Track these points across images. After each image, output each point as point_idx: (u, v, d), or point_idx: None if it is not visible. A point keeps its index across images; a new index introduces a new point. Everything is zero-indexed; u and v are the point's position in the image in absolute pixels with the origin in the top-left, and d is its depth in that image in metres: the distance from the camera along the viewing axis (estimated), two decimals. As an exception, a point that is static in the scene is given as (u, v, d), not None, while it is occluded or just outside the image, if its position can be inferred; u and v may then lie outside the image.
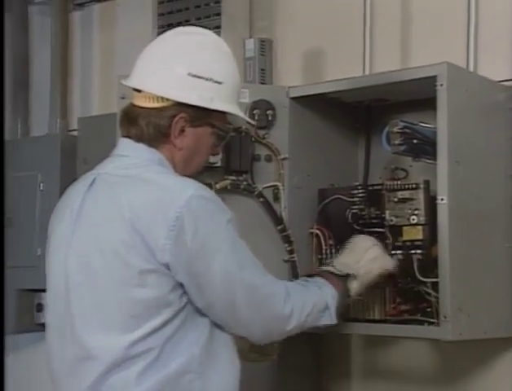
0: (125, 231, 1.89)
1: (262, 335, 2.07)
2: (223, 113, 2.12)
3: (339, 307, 2.18)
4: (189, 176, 2.05)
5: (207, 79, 2.05)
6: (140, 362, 1.89)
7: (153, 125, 2.03)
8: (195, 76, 2.04)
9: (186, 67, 2.04)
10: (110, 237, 1.92)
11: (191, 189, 1.93)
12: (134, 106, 2.06)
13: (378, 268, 2.30)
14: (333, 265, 2.27)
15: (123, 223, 1.90)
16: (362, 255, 2.31)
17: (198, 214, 1.91)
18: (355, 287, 2.25)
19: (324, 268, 2.29)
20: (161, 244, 1.88)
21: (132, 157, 2.04)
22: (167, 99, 2.02)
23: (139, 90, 2.06)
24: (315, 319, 2.12)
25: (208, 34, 2.16)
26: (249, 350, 2.36)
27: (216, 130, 2.11)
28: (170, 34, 2.14)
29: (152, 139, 2.03)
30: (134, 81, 2.08)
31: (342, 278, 2.23)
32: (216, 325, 1.98)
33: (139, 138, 2.04)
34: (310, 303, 2.10)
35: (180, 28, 2.19)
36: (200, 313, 1.96)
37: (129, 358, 1.89)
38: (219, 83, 2.07)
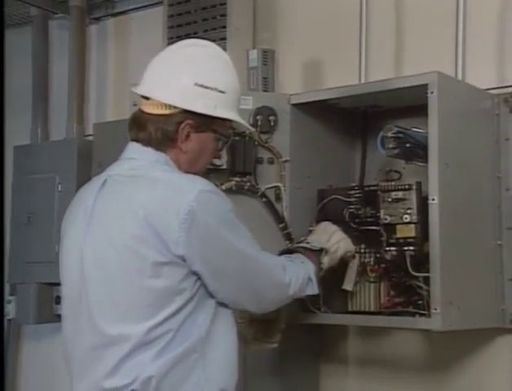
0: (138, 227, 1.90)
1: (271, 302, 2.16)
2: (225, 120, 2.13)
3: (317, 279, 2.27)
4: None
5: (212, 89, 2.06)
6: (156, 346, 1.90)
7: (161, 130, 2.03)
8: (201, 86, 2.05)
9: (193, 77, 2.05)
10: (122, 233, 1.93)
11: (199, 185, 1.95)
12: (143, 112, 2.07)
13: (343, 248, 2.42)
14: (307, 242, 2.38)
15: (135, 219, 1.91)
16: (330, 235, 2.42)
17: (207, 207, 1.93)
18: (326, 261, 2.35)
19: (301, 244, 2.39)
20: (175, 237, 1.89)
21: (140, 159, 2.04)
22: (174, 107, 2.03)
23: (147, 98, 2.06)
24: (303, 289, 2.22)
25: (211, 46, 2.16)
26: (252, 338, 2.39)
27: (218, 136, 2.12)
28: (177, 46, 2.14)
29: (159, 143, 2.04)
30: (143, 89, 2.08)
31: (316, 253, 2.33)
32: (220, 305, 2.01)
33: (147, 142, 2.05)
34: (300, 274, 2.20)
35: (185, 41, 2.19)
36: (209, 295, 1.98)
37: (146, 343, 1.90)
38: (223, 92, 2.08)
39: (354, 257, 2.48)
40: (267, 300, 2.14)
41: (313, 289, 2.25)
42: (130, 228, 1.92)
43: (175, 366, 1.91)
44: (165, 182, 1.96)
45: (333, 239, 2.40)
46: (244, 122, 2.20)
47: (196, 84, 2.04)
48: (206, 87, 2.05)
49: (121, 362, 1.91)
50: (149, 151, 2.04)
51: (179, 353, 1.91)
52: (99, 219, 1.99)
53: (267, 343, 2.44)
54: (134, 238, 1.91)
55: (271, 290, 2.13)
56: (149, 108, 2.05)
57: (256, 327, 2.40)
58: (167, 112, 2.03)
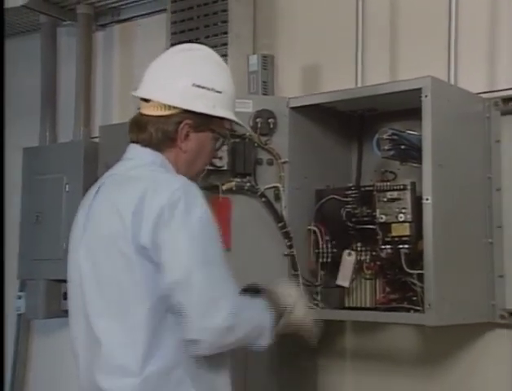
0: (119, 224, 1.89)
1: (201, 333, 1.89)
2: (222, 120, 2.12)
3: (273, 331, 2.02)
4: (192, 178, 2.05)
5: (209, 89, 2.05)
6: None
7: (161, 130, 2.03)
8: (199, 86, 2.04)
9: (190, 78, 2.04)
10: (108, 231, 1.92)
11: (178, 183, 1.92)
12: (143, 115, 2.06)
13: (301, 320, 2.12)
14: (277, 293, 2.10)
15: (116, 217, 1.90)
16: (298, 299, 2.13)
17: (178, 206, 1.88)
18: (283, 321, 2.06)
19: (271, 290, 2.11)
20: (145, 232, 1.86)
21: (136, 159, 2.04)
22: (174, 108, 2.02)
23: (147, 100, 2.06)
24: (253, 339, 1.97)
25: (206, 50, 2.16)
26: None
27: (216, 135, 2.11)
28: (173, 51, 2.15)
29: (159, 143, 2.03)
30: (143, 92, 2.08)
31: (281, 309, 2.06)
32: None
33: (147, 143, 2.04)
34: (253, 324, 1.96)
35: (180, 46, 2.18)
36: None
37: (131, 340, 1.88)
38: (219, 92, 2.08)
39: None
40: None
41: (266, 341, 1.98)
42: (113, 226, 1.91)
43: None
44: (148, 178, 1.95)
45: (300, 305, 2.12)
46: (240, 122, 2.20)
47: (193, 85, 2.03)
48: (204, 88, 2.04)
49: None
50: (147, 152, 2.04)
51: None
52: (93, 219, 2.00)
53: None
54: (117, 237, 1.89)
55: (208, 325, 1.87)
56: (149, 110, 2.04)
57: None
58: (167, 112, 2.02)
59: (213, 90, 2.06)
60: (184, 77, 2.04)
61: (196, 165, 2.10)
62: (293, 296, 2.11)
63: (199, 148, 2.07)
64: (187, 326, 1.85)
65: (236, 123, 2.20)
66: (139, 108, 2.28)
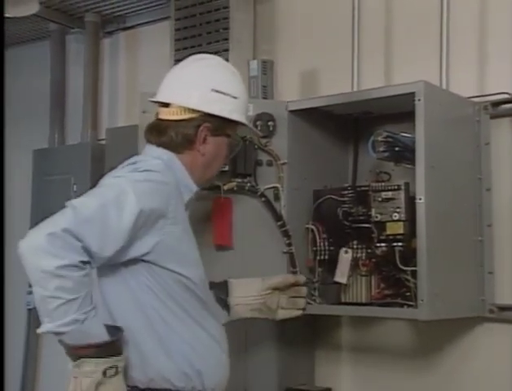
0: None
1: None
2: (236, 126, 2.13)
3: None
4: (204, 183, 2.10)
5: (227, 94, 2.07)
6: None
7: (181, 134, 2.04)
8: (217, 91, 2.06)
9: (209, 84, 2.06)
10: None
11: (141, 169, 1.95)
12: (163, 120, 2.07)
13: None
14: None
15: None
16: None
17: (113, 174, 1.96)
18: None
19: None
20: None
21: (144, 155, 2.07)
22: (194, 111, 2.04)
23: (166, 106, 2.07)
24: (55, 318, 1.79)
25: (219, 58, 2.19)
26: (277, 307, 2.36)
27: (231, 140, 2.13)
28: (191, 60, 2.16)
29: (178, 146, 2.05)
30: (164, 97, 2.09)
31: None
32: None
33: (166, 146, 2.05)
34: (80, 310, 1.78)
35: (197, 55, 2.20)
36: None
37: None
38: (236, 98, 2.10)
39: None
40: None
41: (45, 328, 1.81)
42: None
43: None
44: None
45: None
46: (253, 128, 2.20)
47: (212, 90, 2.05)
48: (222, 93, 2.06)
49: None
50: (158, 150, 2.05)
51: None
52: None
53: (293, 310, 2.42)
54: None
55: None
56: (169, 115, 2.06)
57: (278, 296, 2.38)
58: (187, 116, 2.04)
59: (230, 95, 2.08)
60: (203, 83, 2.06)
61: (211, 169, 2.11)
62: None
63: (216, 152, 2.08)
64: None
65: (250, 128, 2.22)
66: (144, 111, 2.29)
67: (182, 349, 1.94)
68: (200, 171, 2.07)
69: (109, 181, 1.94)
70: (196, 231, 2.07)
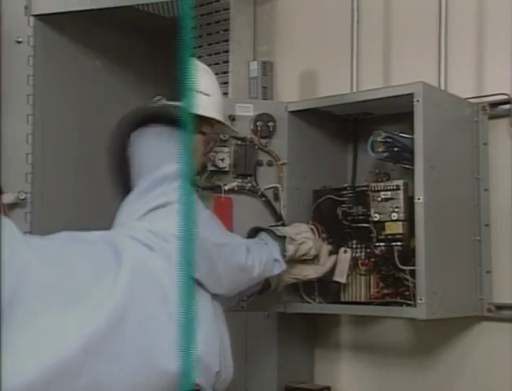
0: None
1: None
2: (211, 124, 2.12)
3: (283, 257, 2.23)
4: None
5: (198, 92, 2.04)
6: None
7: None
8: None
9: None
10: None
11: None
12: None
13: (311, 242, 2.38)
14: (277, 228, 2.35)
15: None
16: (301, 231, 2.39)
17: None
18: (290, 248, 2.30)
19: (270, 228, 2.35)
20: None
21: None
22: None
23: None
24: (270, 270, 2.16)
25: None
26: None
27: (206, 138, 2.12)
28: None
29: None
30: None
31: (281, 239, 2.28)
32: None
33: None
34: (264, 256, 2.14)
35: None
36: None
37: None
38: (208, 95, 2.08)
39: (317, 258, 2.44)
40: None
41: (281, 267, 2.21)
42: None
43: None
44: None
45: (303, 234, 2.39)
46: (228, 124, 2.19)
47: None
48: None
49: None
50: None
51: None
52: None
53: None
54: None
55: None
56: None
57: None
58: None
59: (202, 93, 2.06)
60: None
61: None
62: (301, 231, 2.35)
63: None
64: None
65: (224, 124, 2.20)
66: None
67: None
68: None
69: None
70: (196, 231, 2.08)
